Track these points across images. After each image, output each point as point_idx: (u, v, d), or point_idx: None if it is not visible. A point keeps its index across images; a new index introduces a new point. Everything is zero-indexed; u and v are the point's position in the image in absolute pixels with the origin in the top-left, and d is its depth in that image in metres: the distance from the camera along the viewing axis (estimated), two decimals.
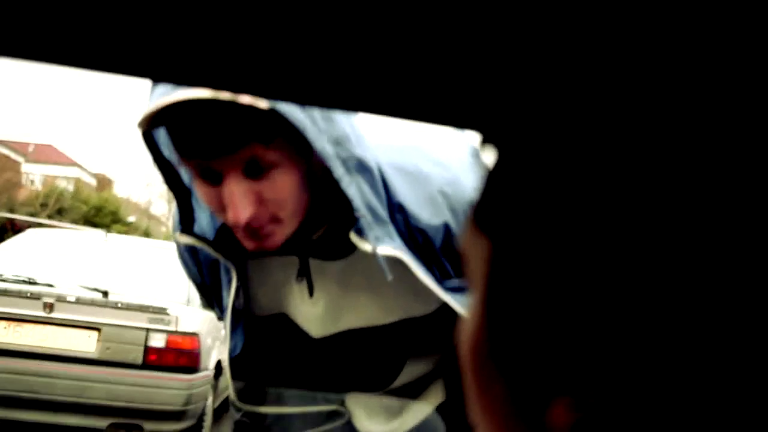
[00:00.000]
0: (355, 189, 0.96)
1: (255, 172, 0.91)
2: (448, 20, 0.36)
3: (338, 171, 0.94)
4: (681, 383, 0.31)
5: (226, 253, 1.07)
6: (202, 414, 4.61)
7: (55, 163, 35.76)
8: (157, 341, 4.22)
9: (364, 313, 1.11)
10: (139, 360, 4.18)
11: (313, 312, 1.13)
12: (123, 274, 4.71)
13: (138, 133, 0.97)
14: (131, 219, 29.80)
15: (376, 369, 1.19)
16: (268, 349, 1.21)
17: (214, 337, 4.90)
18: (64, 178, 33.82)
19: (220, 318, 1.22)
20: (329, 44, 0.38)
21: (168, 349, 4.23)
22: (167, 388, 4.21)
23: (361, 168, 0.97)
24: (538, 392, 0.34)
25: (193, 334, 4.36)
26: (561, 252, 0.33)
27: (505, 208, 0.36)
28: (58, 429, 4.25)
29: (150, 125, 0.92)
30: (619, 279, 0.31)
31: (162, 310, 4.26)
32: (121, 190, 40.35)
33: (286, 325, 1.17)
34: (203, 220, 1.08)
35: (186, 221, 1.06)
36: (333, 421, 1.28)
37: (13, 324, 4.14)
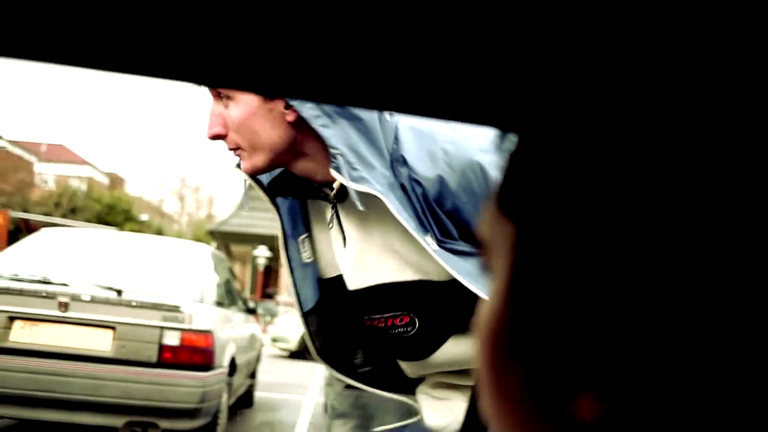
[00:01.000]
0: (334, 131, 1.11)
1: (221, 99, 1.14)
2: (465, 14, 0.36)
3: (307, 112, 1.10)
4: (708, 376, 0.30)
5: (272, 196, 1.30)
6: (217, 411, 4.62)
7: (68, 162, 35.99)
8: (172, 339, 4.23)
9: (385, 267, 1.22)
10: (154, 358, 4.20)
11: (347, 261, 1.25)
12: (136, 273, 4.73)
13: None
14: (144, 217, 29.95)
15: (413, 336, 1.25)
16: (333, 312, 1.35)
17: (227, 335, 4.92)
18: (76, 177, 34.03)
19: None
20: (349, 40, 0.38)
21: (182, 347, 4.24)
22: (182, 386, 4.23)
23: (349, 116, 1.12)
24: (562, 384, 0.33)
25: (207, 332, 4.37)
26: (592, 238, 0.32)
27: (533, 191, 0.34)
28: (75, 428, 4.28)
29: None
30: (650, 268, 0.30)
31: (176, 308, 4.28)
32: (133, 189, 40.55)
33: (342, 286, 1.29)
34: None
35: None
36: (412, 417, 1.37)
37: (29, 323, 4.17)
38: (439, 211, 1.17)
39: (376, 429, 1.39)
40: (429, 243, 1.14)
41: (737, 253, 0.30)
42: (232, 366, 4.96)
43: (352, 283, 1.26)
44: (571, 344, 0.32)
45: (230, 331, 5.12)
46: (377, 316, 1.26)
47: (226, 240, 21.46)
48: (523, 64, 0.38)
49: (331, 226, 1.25)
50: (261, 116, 1.13)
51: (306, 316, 1.34)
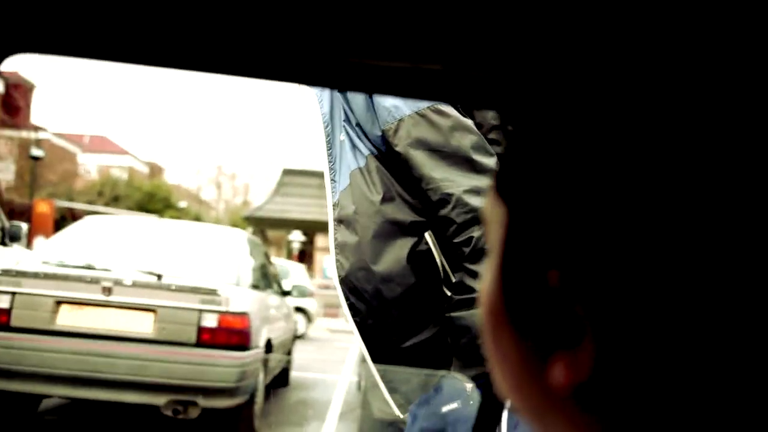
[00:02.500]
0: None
1: None
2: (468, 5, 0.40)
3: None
4: (681, 351, 0.33)
5: None
6: (254, 390, 4.75)
7: (109, 153, 36.57)
8: (210, 321, 4.37)
9: None
10: (193, 339, 4.34)
11: None
12: (176, 258, 4.89)
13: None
14: (182, 204, 30.36)
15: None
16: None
17: (263, 317, 5.05)
18: (117, 167, 34.56)
19: None
20: (352, 26, 0.41)
21: (220, 329, 4.38)
22: (220, 366, 4.37)
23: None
24: (543, 348, 0.36)
25: (244, 314, 4.50)
26: (567, 219, 0.35)
27: (523, 177, 0.38)
28: (119, 406, 4.45)
29: None
30: (621, 248, 0.33)
31: (213, 292, 4.41)
32: (171, 177, 41.02)
33: None
34: None
35: None
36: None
37: (74, 307, 4.35)
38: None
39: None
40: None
41: (723, 238, 0.32)
42: (268, 346, 5.08)
43: None
44: (551, 310, 0.35)
45: (266, 312, 5.24)
46: None
47: (261, 225, 21.68)
48: (525, 56, 0.41)
49: None
50: None
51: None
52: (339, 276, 1.40)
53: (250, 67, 0.50)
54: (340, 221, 1.41)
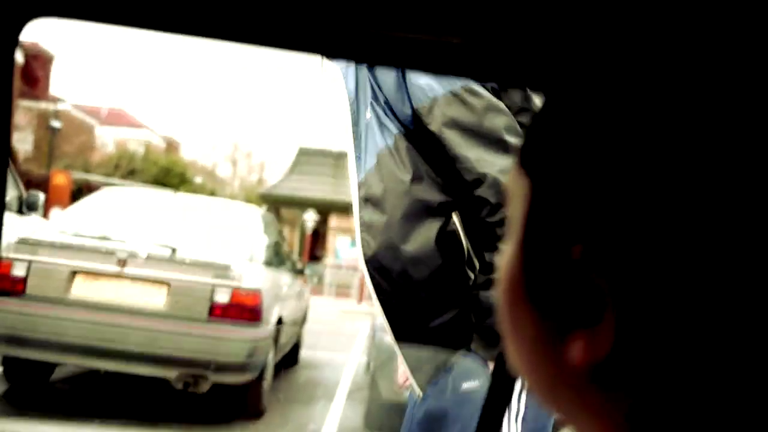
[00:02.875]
0: None
1: None
2: None
3: None
4: (695, 335, 0.32)
5: None
6: (264, 367, 4.79)
7: (126, 126, 36.74)
8: (222, 296, 4.40)
9: None
10: (205, 314, 4.37)
11: None
12: (191, 232, 4.90)
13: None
14: (198, 180, 30.52)
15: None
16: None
17: (275, 294, 5.08)
18: (134, 140, 34.74)
19: None
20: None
21: (232, 304, 4.40)
22: (231, 341, 4.40)
23: None
24: (562, 324, 0.35)
25: (256, 290, 4.52)
26: (591, 193, 0.34)
27: (547, 150, 0.37)
28: (130, 378, 4.50)
29: None
30: (643, 222, 0.33)
31: (227, 267, 4.43)
32: (187, 153, 41.19)
33: None
34: None
35: None
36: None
37: (89, 278, 4.39)
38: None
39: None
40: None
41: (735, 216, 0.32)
42: (279, 324, 5.11)
43: None
44: (571, 288, 0.35)
45: (278, 290, 5.27)
46: None
47: (276, 204, 21.75)
48: (553, 30, 0.41)
49: None
50: None
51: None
52: (365, 255, 1.39)
53: (271, 36, 0.50)
54: (366, 200, 1.40)
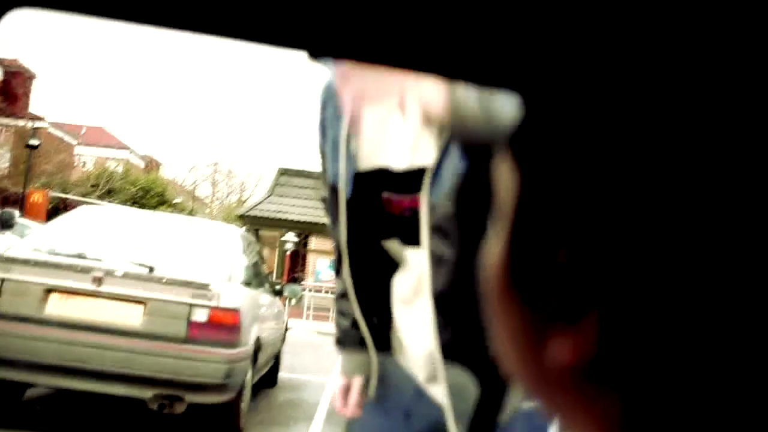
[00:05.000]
0: None
1: None
2: None
3: None
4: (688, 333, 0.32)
5: None
6: (242, 388, 4.73)
7: (106, 145, 36.53)
8: (200, 316, 4.35)
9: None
10: (182, 334, 4.32)
11: (405, 137, 1.30)
12: (168, 251, 4.86)
13: None
14: (177, 200, 30.33)
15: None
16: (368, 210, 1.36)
17: (254, 314, 5.03)
18: (114, 159, 34.52)
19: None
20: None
21: (210, 324, 4.36)
22: (208, 362, 4.35)
23: None
24: (546, 319, 0.35)
25: (235, 310, 4.48)
26: (587, 183, 0.34)
27: (537, 146, 0.36)
28: (104, 398, 4.42)
29: None
30: (639, 231, 0.32)
31: (205, 286, 4.39)
32: (167, 173, 41.00)
33: (382, 178, 1.33)
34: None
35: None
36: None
37: (64, 296, 4.32)
38: None
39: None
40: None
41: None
42: (258, 344, 5.06)
43: (406, 162, 1.30)
44: (558, 283, 0.34)
45: (257, 310, 5.23)
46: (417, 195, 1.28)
47: (255, 224, 21.68)
48: (535, 25, 0.39)
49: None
50: None
51: (348, 205, 1.36)
52: (433, 290, 1.30)
53: (265, 32, 0.48)
54: (438, 228, 1.29)
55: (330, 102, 1.39)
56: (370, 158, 1.35)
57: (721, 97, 0.32)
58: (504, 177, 0.39)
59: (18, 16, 0.52)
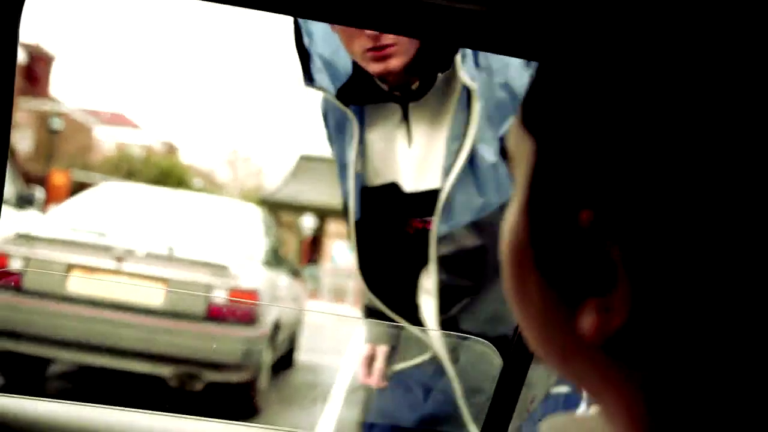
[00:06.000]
0: None
1: None
2: None
3: None
4: (715, 299, 0.31)
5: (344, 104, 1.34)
6: (259, 368, 4.77)
7: (126, 129, 36.76)
8: (219, 295, 4.39)
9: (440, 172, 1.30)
10: (202, 313, 4.36)
11: (409, 162, 1.33)
12: (189, 230, 4.90)
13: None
14: (196, 185, 30.51)
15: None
16: (379, 223, 1.40)
17: (272, 295, 5.06)
18: (134, 143, 34.74)
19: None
20: None
21: (229, 304, 4.39)
22: (227, 341, 4.39)
23: None
24: (572, 292, 0.34)
25: (253, 291, 4.52)
26: (602, 152, 0.33)
27: (553, 108, 0.35)
28: (125, 375, 4.48)
29: None
30: (657, 185, 0.31)
31: (224, 266, 4.42)
32: (186, 157, 41.21)
33: (392, 192, 1.37)
34: (324, 82, 1.33)
35: (308, 78, 1.33)
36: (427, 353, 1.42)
37: (86, 274, 4.38)
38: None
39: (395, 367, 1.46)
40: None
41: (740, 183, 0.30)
42: (276, 325, 5.10)
43: (411, 185, 1.34)
44: (581, 252, 0.33)
45: (275, 291, 5.26)
46: (429, 219, 1.32)
47: (274, 208, 21.77)
48: (558, 2, 0.39)
49: (401, 124, 1.33)
50: None
51: (357, 225, 1.39)
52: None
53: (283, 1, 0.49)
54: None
55: (330, 113, 1.41)
56: (380, 175, 1.38)
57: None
58: (517, 146, 0.38)
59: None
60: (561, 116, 0.35)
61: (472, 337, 1.25)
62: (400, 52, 1.21)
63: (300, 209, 21.43)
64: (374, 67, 1.23)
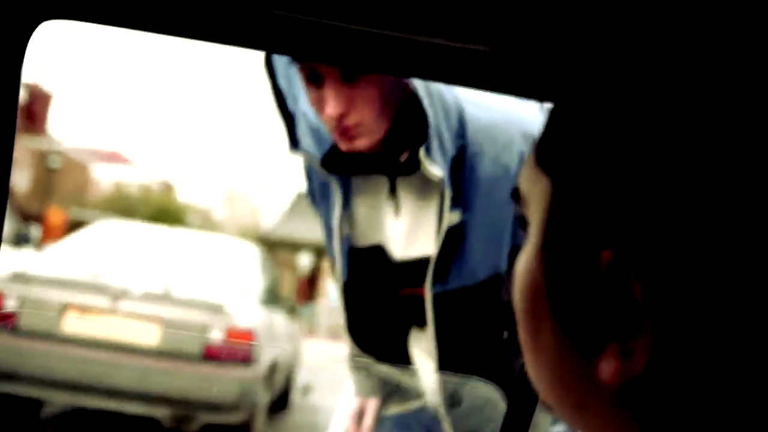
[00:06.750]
0: (433, 112, 1.15)
1: (349, 77, 1.11)
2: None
3: (421, 91, 1.13)
4: (737, 344, 0.30)
5: (329, 172, 1.29)
6: (255, 409, 4.71)
7: (123, 167, 36.84)
8: (216, 335, 4.35)
9: (433, 241, 1.26)
10: (198, 353, 4.32)
11: (397, 231, 1.30)
12: (185, 269, 4.87)
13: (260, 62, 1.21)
14: (193, 223, 30.48)
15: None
16: (367, 285, 1.37)
17: (269, 334, 5.02)
18: (130, 182, 34.78)
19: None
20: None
21: (225, 344, 4.36)
22: (223, 381, 4.34)
23: (439, 97, 1.16)
24: (591, 338, 0.33)
25: (250, 330, 4.48)
26: (623, 189, 0.32)
27: (568, 147, 0.35)
28: (120, 416, 4.42)
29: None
30: (680, 221, 0.30)
31: (220, 306, 4.40)
32: (183, 196, 41.26)
33: (380, 255, 1.33)
34: (308, 146, 1.29)
35: (293, 142, 1.30)
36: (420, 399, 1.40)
37: (82, 314, 4.34)
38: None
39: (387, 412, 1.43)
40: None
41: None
42: (272, 365, 5.05)
43: (400, 253, 1.30)
44: (601, 295, 0.32)
45: (272, 330, 5.21)
46: (419, 286, 1.28)
47: (271, 246, 21.73)
48: (563, 40, 0.39)
49: (389, 198, 1.29)
50: (392, 90, 1.16)
51: (344, 287, 1.37)
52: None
53: (288, 45, 0.49)
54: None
55: (315, 176, 1.38)
56: (367, 237, 1.35)
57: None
58: (531, 186, 0.37)
59: (40, 37, 0.54)
60: (578, 155, 0.34)
61: (474, 378, 1.23)
62: (365, 132, 1.15)
63: (297, 247, 21.40)
64: (341, 145, 1.18)
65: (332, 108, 1.11)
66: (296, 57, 1.01)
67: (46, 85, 27.42)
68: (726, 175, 0.30)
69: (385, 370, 1.41)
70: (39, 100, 25.88)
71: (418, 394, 1.40)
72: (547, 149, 0.37)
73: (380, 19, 0.41)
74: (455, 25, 0.40)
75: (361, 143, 1.16)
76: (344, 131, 1.15)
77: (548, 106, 0.39)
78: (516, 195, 0.39)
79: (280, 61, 1.23)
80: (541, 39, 0.41)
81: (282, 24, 0.45)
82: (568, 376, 0.35)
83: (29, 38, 0.52)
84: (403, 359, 1.40)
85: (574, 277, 0.33)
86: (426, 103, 1.13)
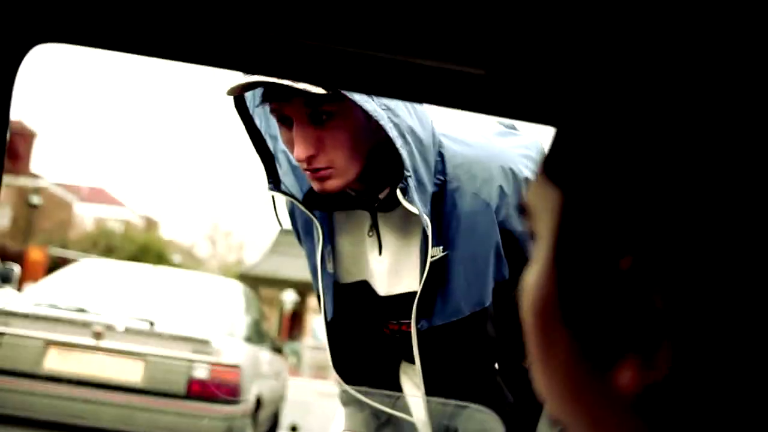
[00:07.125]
0: (407, 152, 1.14)
1: (317, 120, 1.12)
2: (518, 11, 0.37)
3: (392, 132, 1.12)
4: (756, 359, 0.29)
5: (310, 209, 1.29)
6: None
7: (106, 204, 36.62)
8: (201, 372, 4.30)
9: (416, 277, 1.25)
10: (183, 390, 4.26)
11: (381, 268, 1.29)
12: (169, 306, 4.83)
13: (232, 104, 1.21)
14: (176, 259, 30.25)
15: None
16: (353, 321, 1.36)
17: (255, 370, 4.97)
18: (113, 219, 34.57)
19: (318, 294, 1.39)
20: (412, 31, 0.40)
21: (210, 380, 4.30)
22: (209, 419, 4.27)
23: (414, 136, 1.16)
24: (607, 349, 0.32)
25: (235, 366, 4.43)
26: (635, 203, 0.31)
27: (579, 159, 0.35)
28: None
29: (241, 90, 1.16)
30: (701, 224, 0.30)
31: (205, 342, 4.35)
32: (166, 232, 41.05)
33: (365, 291, 1.32)
34: (289, 185, 1.30)
35: (273, 182, 1.29)
36: None
37: (63, 351, 4.28)
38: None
39: None
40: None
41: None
42: (258, 402, 4.98)
43: (384, 290, 1.30)
44: (616, 307, 0.31)
45: (257, 367, 5.16)
46: (404, 321, 1.28)
47: (255, 283, 21.58)
48: (559, 62, 0.39)
49: (371, 234, 1.28)
50: (363, 132, 1.15)
51: (330, 324, 1.37)
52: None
53: (277, 67, 0.50)
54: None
55: (298, 214, 1.39)
56: (352, 274, 1.35)
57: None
58: (539, 199, 0.37)
59: (31, 62, 0.54)
60: (590, 164, 0.34)
61: (471, 405, 1.23)
62: (336, 174, 1.15)
63: (280, 284, 21.27)
64: (314, 185, 1.19)
65: (301, 150, 1.12)
66: (293, 79, 1.01)
67: (29, 124, 27.36)
68: (750, 178, 0.30)
69: (376, 401, 1.40)
70: (23, 138, 25.78)
71: (411, 426, 1.39)
72: (556, 161, 0.37)
73: (376, 41, 0.41)
74: (451, 48, 0.40)
75: (332, 184, 1.16)
76: (314, 173, 1.15)
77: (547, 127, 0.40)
78: (523, 210, 0.38)
79: (255, 102, 1.23)
80: (536, 61, 0.41)
81: (277, 47, 0.45)
82: (583, 390, 0.34)
83: (21, 61, 0.52)
84: (393, 389, 1.39)
85: (591, 286, 0.32)
86: (399, 143, 1.13)
